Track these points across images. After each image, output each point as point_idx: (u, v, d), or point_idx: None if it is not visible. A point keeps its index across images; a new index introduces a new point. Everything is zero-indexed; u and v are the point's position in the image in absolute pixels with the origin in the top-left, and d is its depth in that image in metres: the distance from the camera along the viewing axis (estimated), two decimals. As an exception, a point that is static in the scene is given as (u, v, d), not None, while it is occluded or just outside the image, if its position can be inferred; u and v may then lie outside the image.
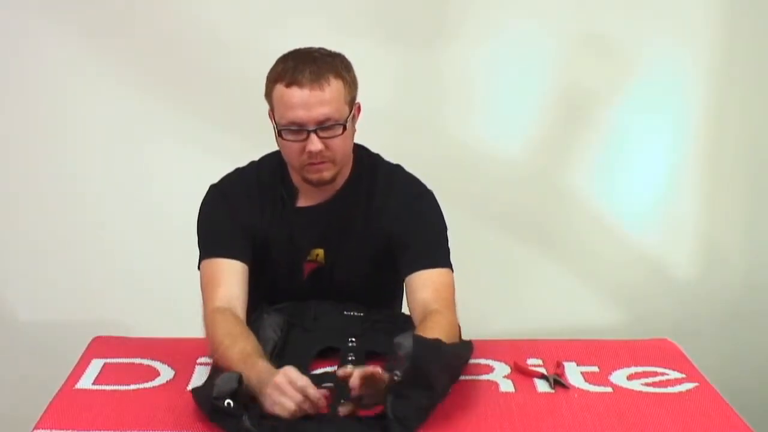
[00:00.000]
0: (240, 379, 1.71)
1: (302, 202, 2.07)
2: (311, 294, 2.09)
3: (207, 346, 1.94)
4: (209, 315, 1.94)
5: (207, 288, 2.00)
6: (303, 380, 1.68)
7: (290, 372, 1.69)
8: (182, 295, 3.14)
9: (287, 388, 1.66)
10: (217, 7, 3.05)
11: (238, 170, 2.14)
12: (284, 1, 3.06)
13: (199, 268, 2.06)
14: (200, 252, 2.06)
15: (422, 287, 1.99)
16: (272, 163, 2.09)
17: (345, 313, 2.06)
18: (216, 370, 1.86)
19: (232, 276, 1.99)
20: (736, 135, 3.23)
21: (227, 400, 1.67)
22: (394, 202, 2.06)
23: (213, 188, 2.12)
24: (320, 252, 2.08)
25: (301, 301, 2.06)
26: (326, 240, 2.07)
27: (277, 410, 1.66)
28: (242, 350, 1.80)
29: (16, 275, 3.18)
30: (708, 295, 3.29)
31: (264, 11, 3.04)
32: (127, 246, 3.17)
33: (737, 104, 3.19)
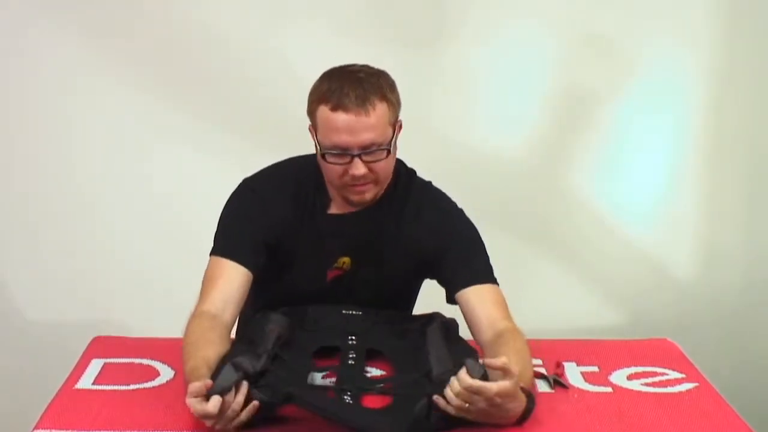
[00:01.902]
0: (240, 368, 1.68)
1: (334, 210, 2.05)
2: (331, 300, 2.08)
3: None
4: (195, 314, 1.92)
5: (206, 284, 1.98)
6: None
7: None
8: (183, 295, 3.14)
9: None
10: (217, 7, 3.05)
11: (274, 166, 2.11)
12: (285, 1, 3.06)
13: (210, 254, 2.04)
14: (214, 244, 2.04)
15: (484, 301, 1.97)
16: (309, 168, 2.04)
17: (344, 312, 2.06)
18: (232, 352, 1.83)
19: (233, 280, 1.97)
20: (736, 135, 3.23)
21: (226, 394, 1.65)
22: (428, 217, 2.05)
23: (244, 183, 2.09)
24: (347, 260, 2.07)
25: (299, 306, 2.05)
26: (354, 249, 2.06)
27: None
28: (192, 367, 1.75)
29: (17, 275, 3.18)
30: (708, 294, 3.29)
31: (264, 12, 3.04)
32: (127, 246, 3.18)
33: (737, 104, 3.20)
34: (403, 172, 2.08)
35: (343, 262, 2.07)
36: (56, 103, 3.09)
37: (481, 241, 2.07)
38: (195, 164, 3.10)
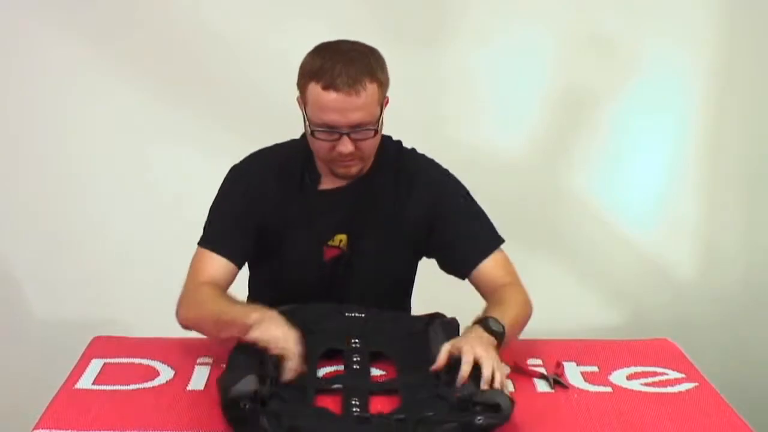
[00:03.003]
0: (259, 380, 1.70)
1: (325, 185, 2.07)
2: (331, 281, 2.09)
3: (184, 314, 2.00)
4: (194, 286, 1.99)
5: (194, 271, 2.03)
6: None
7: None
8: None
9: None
10: (217, 8, 3.06)
11: (261, 150, 2.14)
12: (285, 2, 3.06)
13: (198, 245, 2.08)
14: (203, 233, 2.08)
15: (490, 274, 2.05)
16: (297, 147, 2.08)
17: (346, 314, 2.05)
18: (234, 364, 1.85)
19: (219, 273, 2.03)
20: (736, 135, 3.23)
21: (244, 402, 1.66)
22: (422, 184, 2.08)
23: (233, 169, 2.12)
24: (343, 238, 2.08)
25: (302, 304, 2.05)
26: (350, 225, 2.08)
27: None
28: (230, 298, 1.90)
29: (17, 276, 3.18)
30: (708, 294, 3.29)
31: (264, 12, 3.04)
32: (127, 246, 3.18)
33: (737, 104, 3.20)
34: (389, 143, 2.10)
35: (340, 240, 2.08)
36: (57, 104, 3.09)
37: (476, 203, 2.12)
38: (195, 164, 3.10)
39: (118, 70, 3.06)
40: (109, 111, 3.10)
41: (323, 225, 2.08)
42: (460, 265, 2.08)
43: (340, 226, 2.08)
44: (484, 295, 2.05)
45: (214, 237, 2.06)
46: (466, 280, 2.10)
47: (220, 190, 2.12)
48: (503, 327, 1.86)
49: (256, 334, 1.77)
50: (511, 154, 3.19)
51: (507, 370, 1.86)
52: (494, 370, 1.72)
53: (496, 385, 1.71)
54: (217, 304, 1.93)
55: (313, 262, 2.09)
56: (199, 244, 2.07)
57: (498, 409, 1.65)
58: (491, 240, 2.09)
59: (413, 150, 2.14)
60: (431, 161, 2.14)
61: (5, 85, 3.07)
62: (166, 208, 3.14)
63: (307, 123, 1.97)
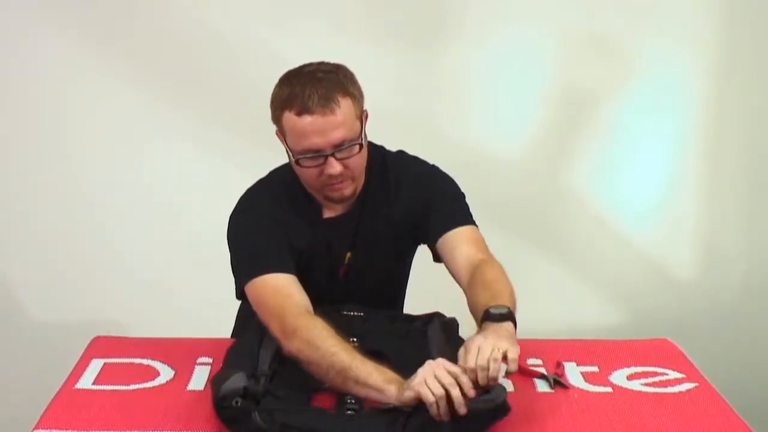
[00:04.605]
0: (248, 376, 1.72)
1: (328, 213, 2.06)
2: (344, 294, 2.09)
3: (298, 348, 1.81)
4: (303, 321, 1.85)
5: (274, 302, 1.90)
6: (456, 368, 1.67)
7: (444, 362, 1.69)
8: (182, 295, 3.16)
9: (442, 372, 1.66)
10: (218, 8, 3.06)
11: (256, 187, 2.09)
12: (285, 2, 3.07)
13: (242, 289, 1.96)
14: (246, 271, 1.96)
15: (460, 243, 2.00)
16: (291, 177, 2.03)
17: (344, 313, 2.06)
18: (228, 363, 1.85)
19: (296, 287, 1.93)
20: (736, 135, 3.24)
21: (236, 399, 1.67)
22: (407, 184, 2.07)
23: (240, 212, 2.04)
24: (350, 254, 2.09)
25: None
26: (354, 243, 2.08)
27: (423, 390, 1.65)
28: (354, 350, 1.78)
29: (17, 276, 3.18)
30: (708, 295, 3.29)
31: (265, 12, 3.05)
32: (127, 246, 3.18)
33: (737, 104, 3.20)
34: (373, 152, 2.07)
35: (348, 257, 2.09)
36: (56, 104, 3.09)
37: (460, 191, 2.10)
38: (195, 165, 3.10)
39: (118, 70, 3.06)
40: (108, 111, 3.10)
41: (337, 251, 2.08)
42: (430, 235, 2.04)
43: (348, 247, 2.08)
44: (452, 265, 1.99)
45: (263, 262, 1.94)
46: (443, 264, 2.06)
47: (236, 227, 2.03)
48: (507, 308, 1.80)
49: (415, 392, 1.68)
50: (511, 155, 3.20)
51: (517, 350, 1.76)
52: (494, 348, 1.68)
53: (510, 361, 1.69)
54: (343, 356, 1.76)
55: (333, 283, 2.09)
56: (248, 278, 1.95)
57: (487, 393, 1.66)
58: (463, 217, 2.06)
59: (399, 152, 2.13)
60: (416, 159, 2.13)
61: (5, 85, 3.07)
62: (166, 209, 3.14)
63: (290, 154, 1.95)
